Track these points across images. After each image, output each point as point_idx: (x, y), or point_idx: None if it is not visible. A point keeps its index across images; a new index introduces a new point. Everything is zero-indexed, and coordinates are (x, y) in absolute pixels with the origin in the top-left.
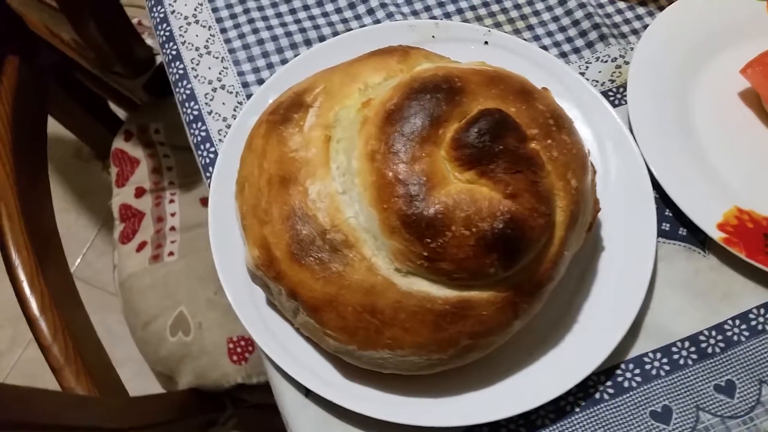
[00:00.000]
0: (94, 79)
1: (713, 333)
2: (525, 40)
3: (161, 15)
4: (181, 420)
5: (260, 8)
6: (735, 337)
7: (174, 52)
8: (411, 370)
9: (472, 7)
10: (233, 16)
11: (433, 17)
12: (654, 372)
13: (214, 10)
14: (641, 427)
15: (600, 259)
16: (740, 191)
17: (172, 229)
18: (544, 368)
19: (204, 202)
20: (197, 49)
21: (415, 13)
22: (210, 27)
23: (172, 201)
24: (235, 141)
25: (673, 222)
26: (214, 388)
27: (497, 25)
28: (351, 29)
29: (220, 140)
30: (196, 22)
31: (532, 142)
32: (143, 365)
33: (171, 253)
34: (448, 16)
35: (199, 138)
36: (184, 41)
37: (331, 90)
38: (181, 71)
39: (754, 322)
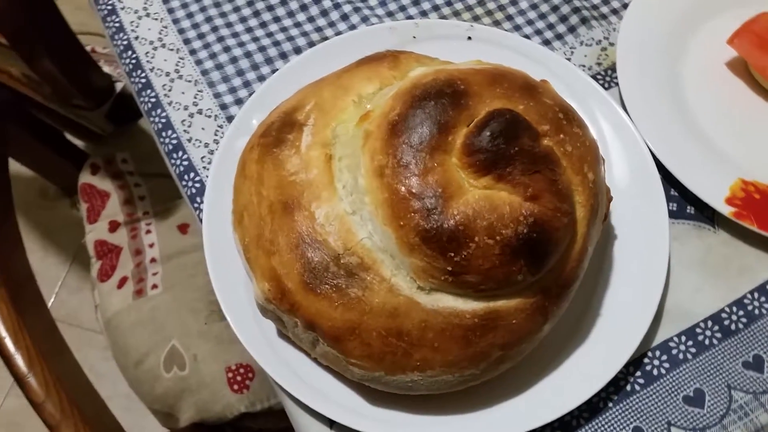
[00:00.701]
0: (51, 114)
1: (734, 309)
2: (506, 31)
3: (124, 42)
4: None
5: (229, 25)
6: (756, 311)
7: (143, 81)
8: (442, 389)
9: (448, 3)
10: (201, 36)
11: (410, 17)
12: (681, 356)
13: (180, 31)
14: (676, 414)
15: (614, 248)
16: (742, 162)
17: (153, 260)
18: (574, 368)
19: (182, 228)
20: (167, 74)
21: (390, 15)
22: (178, 50)
23: (148, 231)
24: (223, 167)
25: (680, 201)
26: (217, 420)
27: (476, 18)
28: (327, 38)
29: (204, 167)
30: (163, 46)
31: (544, 138)
32: (131, 401)
33: (155, 286)
34: (424, 14)
35: (181, 168)
36: (153, 67)
37: (323, 105)
38: (153, 99)
39: None
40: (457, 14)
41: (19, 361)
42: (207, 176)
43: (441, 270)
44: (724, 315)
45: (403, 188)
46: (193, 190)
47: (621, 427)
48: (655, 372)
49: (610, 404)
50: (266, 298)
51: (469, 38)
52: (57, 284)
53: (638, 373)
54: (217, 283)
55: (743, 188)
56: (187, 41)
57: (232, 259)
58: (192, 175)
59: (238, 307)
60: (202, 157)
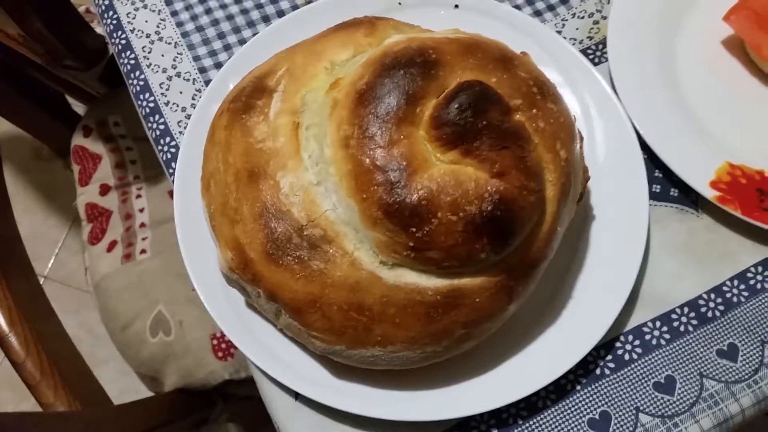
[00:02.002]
0: (46, 74)
1: (712, 296)
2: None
3: (106, 2)
4: (171, 422)
5: None
6: (734, 299)
7: (123, 42)
8: (405, 365)
9: None
10: None
11: None
12: (654, 342)
13: None
14: (645, 400)
15: (591, 228)
16: (730, 145)
17: (142, 225)
18: (542, 349)
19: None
20: (148, 35)
21: None
22: (160, 11)
23: (139, 196)
24: (197, 133)
25: (664, 183)
26: (201, 386)
27: None
28: (311, 1)
29: (180, 132)
30: (145, 6)
31: (516, 113)
32: (127, 364)
33: (143, 251)
34: None
35: (157, 132)
36: (134, 28)
37: (294, 71)
38: (132, 61)
39: (752, 281)
40: None
41: (0, 319)
42: (162, 126)
43: (403, 245)
44: (701, 302)
45: (367, 160)
46: (169, 155)
47: (588, 410)
48: (626, 357)
49: (579, 387)
50: (229, 267)
51: (456, 6)
52: (57, 246)
53: (609, 357)
54: (186, 251)
55: (730, 172)
56: (169, 2)
57: (202, 228)
58: (168, 139)
59: (207, 275)
60: (179, 122)
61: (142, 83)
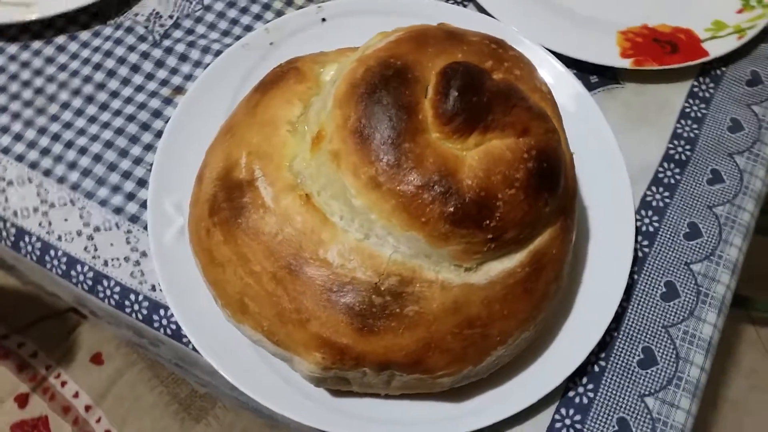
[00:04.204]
0: None
1: (675, 142)
2: None
3: None
4: None
5: (68, 125)
6: (691, 134)
7: (13, 237)
8: (523, 347)
9: None
10: (56, 158)
11: (248, 27)
12: (660, 205)
13: (19, 158)
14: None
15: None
16: (610, 18)
17: (88, 408)
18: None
19: (96, 359)
20: (35, 209)
21: (226, 34)
22: (31, 179)
23: (64, 383)
24: (170, 269)
25: (582, 76)
26: None
27: None
28: (179, 87)
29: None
30: (11, 183)
31: (495, 73)
32: None
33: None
34: (259, 18)
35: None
36: (15, 211)
37: (259, 151)
38: (38, 245)
39: (691, 112)
40: (290, 4)
41: None
42: (117, 289)
43: (482, 242)
44: (671, 151)
45: (407, 187)
46: (112, 302)
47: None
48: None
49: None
50: (324, 367)
51: (324, 20)
52: None
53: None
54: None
55: (626, 38)
56: (34, 166)
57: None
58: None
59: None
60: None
61: (64, 260)
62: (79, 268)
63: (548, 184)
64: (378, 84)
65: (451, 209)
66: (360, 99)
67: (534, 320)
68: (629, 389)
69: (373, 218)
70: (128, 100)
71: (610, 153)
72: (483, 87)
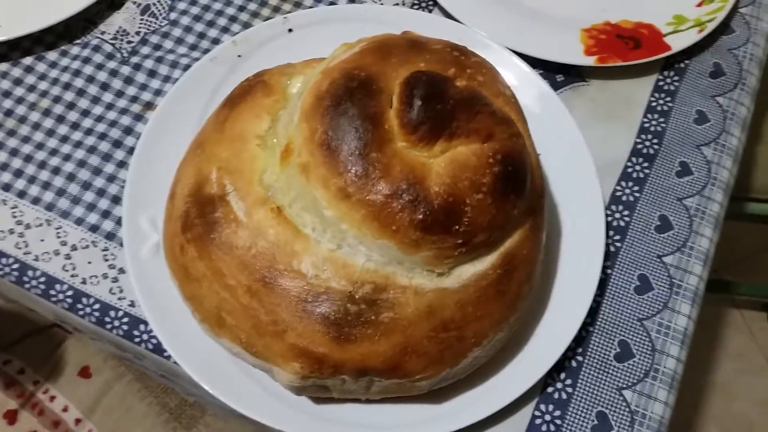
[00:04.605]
0: None
1: (642, 136)
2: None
3: None
4: None
5: (55, 151)
6: (658, 128)
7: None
8: (498, 347)
9: (240, 8)
10: (29, 179)
11: (216, 40)
12: (629, 199)
13: (6, 188)
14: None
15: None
16: (573, 16)
17: (78, 421)
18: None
19: (84, 372)
20: (11, 231)
21: (193, 48)
22: (5, 201)
23: (53, 398)
24: (147, 283)
25: (548, 76)
26: None
27: (276, 9)
28: (149, 103)
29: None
30: None
31: (458, 80)
32: None
33: None
34: (226, 30)
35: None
36: None
37: (229, 166)
38: (15, 266)
39: (657, 106)
40: (256, 15)
41: None
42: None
43: (453, 246)
44: (639, 146)
45: (376, 197)
46: (92, 319)
47: None
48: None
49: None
50: (303, 375)
51: (290, 30)
52: None
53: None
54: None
55: (589, 36)
56: (8, 188)
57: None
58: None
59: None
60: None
61: (43, 280)
62: (58, 287)
63: (515, 186)
64: (343, 96)
65: (420, 216)
66: (326, 111)
67: (507, 321)
68: (607, 383)
69: (344, 228)
70: (99, 119)
71: (577, 151)
72: (446, 95)
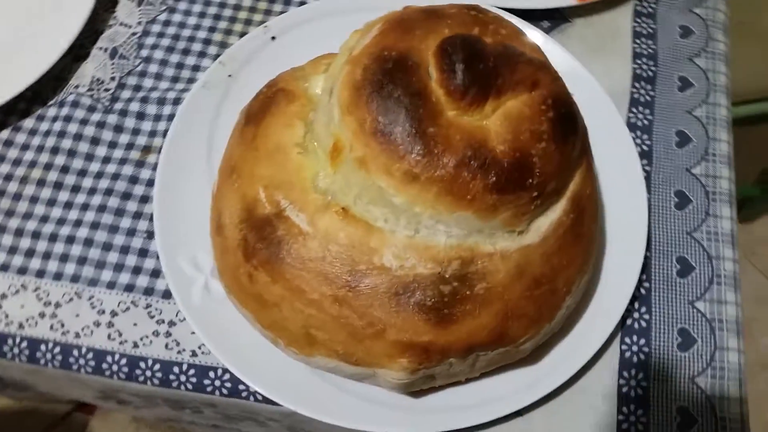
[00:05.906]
0: None
1: (640, 61)
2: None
3: None
4: None
5: (62, 221)
6: (649, 51)
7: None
8: (583, 291)
9: (211, 29)
10: (47, 257)
11: (196, 67)
12: (639, 123)
13: (22, 271)
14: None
15: None
16: None
17: None
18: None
19: None
20: (42, 315)
21: (175, 80)
22: (23, 284)
23: None
24: (204, 323)
25: (537, 25)
26: None
27: (248, 22)
28: (146, 148)
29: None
30: (16, 292)
31: (485, 38)
32: None
33: None
34: (203, 55)
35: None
36: (21, 322)
37: (276, 181)
38: (58, 350)
39: (644, 12)
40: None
41: None
42: (156, 367)
43: (529, 201)
44: (637, 70)
45: (445, 170)
46: (155, 381)
47: None
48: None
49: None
50: (412, 370)
51: (273, 38)
52: None
53: None
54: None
55: None
56: (23, 271)
57: None
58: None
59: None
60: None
61: (93, 362)
62: (109, 359)
63: (571, 127)
64: (382, 79)
65: (494, 179)
66: (370, 98)
67: (588, 262)
68: (678, 300)
69: (418, 211)
70: (99, 175)
71: (587, 83)
72: (485, 53)
